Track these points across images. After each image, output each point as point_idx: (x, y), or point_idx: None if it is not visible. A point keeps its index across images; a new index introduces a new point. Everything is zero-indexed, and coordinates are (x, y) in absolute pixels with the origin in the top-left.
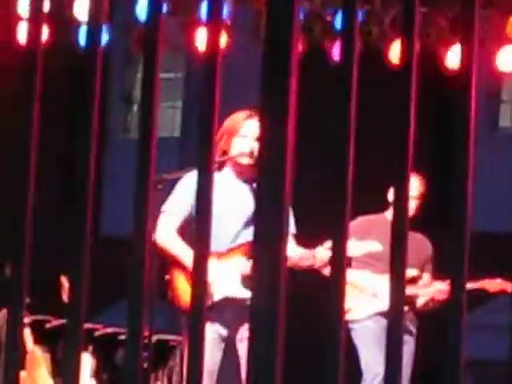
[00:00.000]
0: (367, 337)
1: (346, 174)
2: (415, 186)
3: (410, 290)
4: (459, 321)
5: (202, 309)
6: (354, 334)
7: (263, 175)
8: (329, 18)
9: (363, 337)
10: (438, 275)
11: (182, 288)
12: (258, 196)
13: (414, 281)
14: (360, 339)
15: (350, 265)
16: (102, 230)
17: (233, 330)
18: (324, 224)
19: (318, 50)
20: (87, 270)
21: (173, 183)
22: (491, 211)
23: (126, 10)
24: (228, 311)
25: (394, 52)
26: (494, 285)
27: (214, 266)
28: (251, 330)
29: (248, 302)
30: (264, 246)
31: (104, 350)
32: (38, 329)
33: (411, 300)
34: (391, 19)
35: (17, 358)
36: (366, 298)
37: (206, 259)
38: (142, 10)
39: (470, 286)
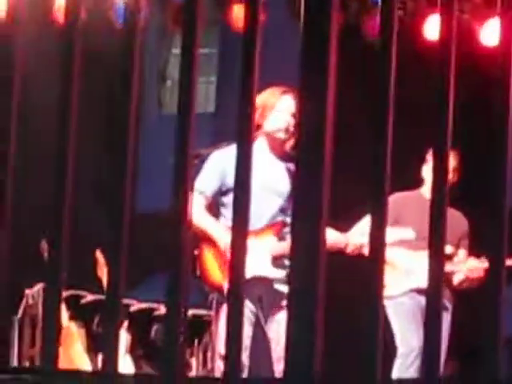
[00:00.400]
0: (403, 313)
1: (384, 149)
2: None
3: (446, 267)
4: (498, 297)
5: (240, 284)
6: (388, 311)
7: (302, 153)
8: None
9: (398, 313)
10: (474, 252)
11: (211, 265)
12: (297, 174)
13: (449, 257)
14: (395, 315)
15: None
16: (137, 204)
17: (261, 310)
18: (360, 202)
19: (354, 27)
20: (126, 246)
21: (205, 159)
22: None
23: None
24: (257, 290)
25: (429, 27)
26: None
27: None
28: (289, 311)
29: (277, 283)
30: (303, 226)
31: (139, 325)
32: (73, 304)
33: (447, 277)
34: None
35: (54, 334)
36: (400, 275)
37: (244, 234)
38: None
39: (509, 262)
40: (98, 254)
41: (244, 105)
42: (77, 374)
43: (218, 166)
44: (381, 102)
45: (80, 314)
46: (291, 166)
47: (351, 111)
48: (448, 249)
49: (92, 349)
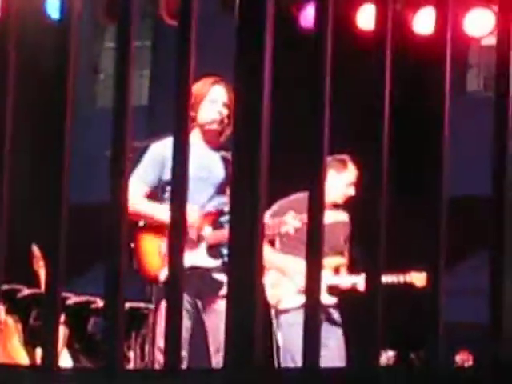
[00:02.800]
0: (294, 329)
1: (320, 138)
2: (352, 171)
3: (333, 280)
4: (376, 313)
5: (180, 276)
6: (280, 324)
7: (238, 146)
8: None
9: (289, 328)
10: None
11: (148, 255)
12: (234, 166)
13: (337, 269)
14: (285, 330)
15: (273, 243)
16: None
17: (198, 300)
18: (296, 186)
19: (284, 16)
20: (64, 239)
21: (142, 151)
22: (463, 175)
23: None
24: (195, 281)
25: (362, 17)
26: (420, 279)
27: None
28: (229, 300)
29: (213, 272)
30: (241, 215)
31: (76, 319)
32: (9, 298)
33: (334, 291)
34: None
35: None
36: (295, 287)
37: (182, 226)
38: None
39: (395, 279)
40: (34, 248)
41: (180, 97)
42: (15, 368)
43: (157, 158)
44: (317, 93)
45: (16, 308)
46: (226, 154)
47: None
48: (336, 260)
49: (29, 343)
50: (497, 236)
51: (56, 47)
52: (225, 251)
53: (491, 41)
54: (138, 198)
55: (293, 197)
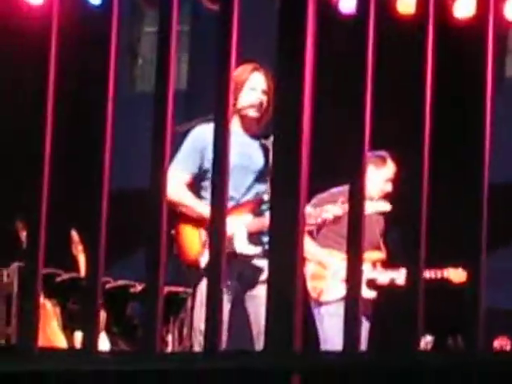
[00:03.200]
0: (334, 320)
1: (362, 127)
2: (391, 167)
3: (371, 274)
4: (416, 306)
5: (220, 261)
6: (322, 315)
7: (279, 133)
8: None
9: (330, 319)
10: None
11: (190, 242)
12: (274, 154)
13: (374, 264)
14: (326, 321)
15: (312, 234)
16: (113, 182)
17: (240, 285)
18: (337, 176)
19: (329, 5)
20: (105, 225)
21: (183, 135)
22: (504, 162)
23: None
24: (235, 266)
25: (404, 2)
26: (456, 275)
27: None
28: (269, 286)
29: (255, 260)
30: (281, 204)
31: (115, 303)
32: (48, 282)
33: (373, 285)
34: None
35: (33, 311)
36: (337, 281)
37: (223, 211)
38: None
39: (433, 274)
40: (73, 233)
41: (221, 84)
42: (54, 351)
43: (197, 145)
44: (360, 79)
45: (55, 292)
46: (266, 142)
47: (328, 89)
48: (374, 254)
49: (67, 327)
50: None
51: (97, 33)
52: (265, 239)
53: None
54: (179, 186)
55: (333, 190)
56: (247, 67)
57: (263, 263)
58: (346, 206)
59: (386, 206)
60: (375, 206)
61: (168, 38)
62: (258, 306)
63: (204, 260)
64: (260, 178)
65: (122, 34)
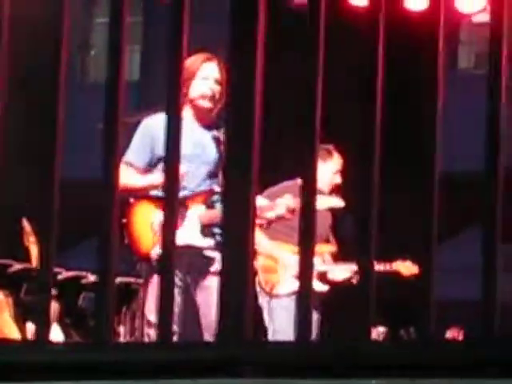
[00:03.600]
0: (286, 313)
1: (314, 113)
2: (338, 159)
3: (323, 267)
4: (366, 303)
5: (171, 253)
6: (273, 308)
7: (231, 124)
8: None
9: (282, 311)
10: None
11: (141, 234)
12: (226, 141)
13: (321, 254)
14: (278, 313)
15: (262, 227)
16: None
17: (188, 277)
18: (289, 167)
19: None
20: (57, 214)
21: (133, 126)
22: (455, 151)
23: None
24: (186, 257)
25: None
26: (405, 267)
27: None
28: (222, 277)
29: (206, 252)
30: (233, 196)
31: (67, 293)
32: (0, 273)
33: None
34: None
35: None
36: (289, 275)
37: (174, 203)
38: None
39: (381, 267)
40: (25, 223)
41: (172, 73)
42: (6, 342)
43: (147, 135)
44: (311, 68)
45: (7, 283)
46: (218, 134)
47: (280, 79)
48: (324, 248)
49: (20, 318)
50: (489, 212)
51: (49, 22)
52: (217, 230)
53: (483, 18)
54: (131, 175)
55: (284, 184)
56: (200, 57)
57: (214, 254)
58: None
59: (340, 203)
60: (328, 201)
61: (119, 28)
62: (208, 296)
63: (155, 252)
64: (213, 169)
65: (74, 25)
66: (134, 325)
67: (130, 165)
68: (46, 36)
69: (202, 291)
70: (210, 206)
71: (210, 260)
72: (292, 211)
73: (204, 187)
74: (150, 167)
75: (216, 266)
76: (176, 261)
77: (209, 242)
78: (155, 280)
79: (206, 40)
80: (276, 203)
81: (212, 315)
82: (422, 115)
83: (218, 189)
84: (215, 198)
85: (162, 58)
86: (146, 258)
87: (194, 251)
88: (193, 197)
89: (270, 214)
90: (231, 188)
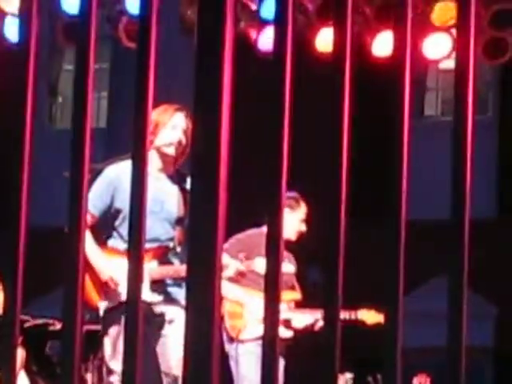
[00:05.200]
0: (253, 358)
1: (280, 164)
2: (303, 208)
3: (288, 314)
4: (333, 352)
5: (137, 308)
6: (239, 353)
7: (196, 173)
8: (254, 8)
9: (249, 356)
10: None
11: (88, 285)
12: (192, 197)
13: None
14: (245, 359)
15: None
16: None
17: (147, 328)
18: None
19: (243, 41)
20: (23, 264)
21: (99, 174)
22: (421, 199)
23: (50, 0)
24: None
25: (321, 41)
26: (370, 316)
27: (123, 266)
28: (187, 326)
29: (157, 307)
30: (198, 252)
31: (34, 341)
32: None
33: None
34: (317, 7)
35: None
36: (254, 320)
37: (140, 254)
38: (67, 0)
39: (346, 315)
40: None
41: (138, 120)
42: None
43: (108, 184)
44: (276, 117)
45: None
46: (186, 186)
47: (248, 127)
48: (289, 295)
49: None
50: (456, 260)
51: (15, 70)
52: (168, 287)
53: (449, 64)
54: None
55: (249, 232)
56: (170, 107)
57: (165, 308)
58: (249, 263)
59: (291, 268)
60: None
61: (85, 75)
62: (166, 345)
63: (103, 306)
64: (172, 224)
65: (41, 72)
66: (101, 373)
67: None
68: (12, 83)
69: (159, 339)
70: (163, 262)
71: (161, 314)
72: (241, 274)
73: (158, 243)
74: (108, 215)
75: (170, 317)
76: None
77: (158, 298)
78: (111, 330)
79: (175, 91)
80: (226, 264)
81: (170, 364)
82: (388, 162)
83: (171, 245)
84: (170, 254)
85: (130, 105)
86: (95, 311)
87: (143, 307)
88: (147, 251)
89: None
90: (196, 238)
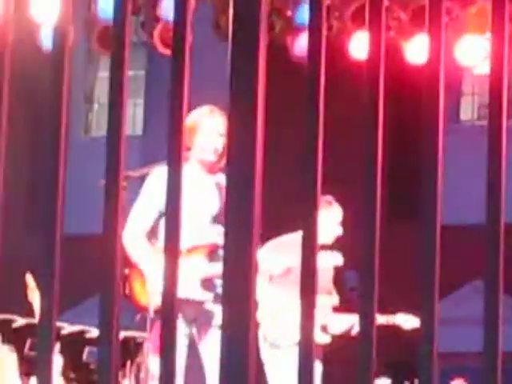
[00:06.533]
0: (290, 363)
1: (315, 167)
2: (338, 210)
3: (324, 320)
4: (369, 359)
5: (173, 307)
6: (277, 359)
7: (232, 175)
8: (289, 13)
9: (286, 364)
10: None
11: (139, 289)
12: (227, 195)
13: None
14: (283, 366)
15: (271, 279)
16: (66, 228)
17: (193, 328)
18: (292, 220)
19: (278, 47)
20: (58, 270)
21: (137, 181)
22: (460, 204)
23: (86, 8)
24: (189, 312)
25: (355, 46)
26: (407, 321)
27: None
28: (223, 333)
29: (207, 305)
30: (234, 250)
31: (71, 348)
32: (4, 328)
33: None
34: (351, 13)
35: None
36: (291, 324)
37: (176, 258)
38: (102, 7)
39: (383, 320)
40: (28, 278)
41: (173, 127)
42: None
43: (154, 190)
44: (310, 122)
45: (11, 337)
46: (222, 181)
47: (282, 131)
48: (326, 300)
49: (24, 373)
50: (491, 265)
51: (50, 77)
52: (218, 286)
53: (485, 69)
54: (134, 239)
55: (284, 238)
56: (202, 111)
57: (214, 307)
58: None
59: (340, 260)
60: (329, 259)
61: (119, 82)
62: (212, 349)
63: (153, 305)
64: (216, 219)
65: (77, 80)
66: (138, 378)
67: (135, 221)
68: (46, 91)
69: (206, 343)
70: (213, 259)
71: (212, 313)
72: (288, 271)
73: (209, 237)
74: (156, 221)
75: (217, 320)
76: (180, 313)
77: (209, 295)
78: (157, 332)
79: (211, 93)
80: (275, 263)
81: (215, 369)
82: (423, 167)
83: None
84: (220, 251)
85: (165, 112)
86: (145, 311)
87: (196, 306)
88: (195, 248)
89: (272, 271)
90: (232, 239)
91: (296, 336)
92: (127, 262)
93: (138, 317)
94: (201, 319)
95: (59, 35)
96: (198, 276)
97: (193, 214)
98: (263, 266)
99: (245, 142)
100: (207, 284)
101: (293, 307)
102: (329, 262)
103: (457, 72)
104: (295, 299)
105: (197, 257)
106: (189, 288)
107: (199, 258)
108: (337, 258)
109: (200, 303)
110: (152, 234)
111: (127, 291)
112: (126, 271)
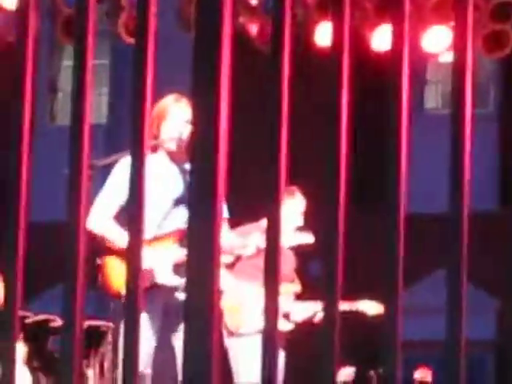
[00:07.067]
0: (252, 352)
1: (278, 153)
2: (301, 201)
3: (287, 307)
4: (332, 346)
5: (137, 295)
6: (239, 348)
7: (196, 164)
8: (254, 2)
9: (249, 352)
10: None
11: (115, 273)
12: (191, 184)
13: (299, 296)
14: (245, 354)
15: (232, 266)
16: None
17: (166, 317)
18: (258, 202)
19: (244, 35)
20: (22, 259)
21: (102, 169)
22: (423, 193)
23: None
24: (160, 298)
25: (320, 35)
26: (371, 307)
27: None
28: (186, 329)
29: (178, 293)
30: (197, 236)
31: (35, 337)
32: None
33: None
34: (316, 2)
35: None
36: (255, 313)
37: (140, 244)
38: None
39: (346, 306)
40: None
41: (137, 115)
42: None
43: (122, 178)
44: (275, 111)
45: None
46: (187, 167)
47: (245, 117)
48: (289, 287)
49: None
50: (454, 254)
51: (13, 66)
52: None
53: (449, 57)
54: (104, 220)
55: (248, 226)
56: (168, 99)
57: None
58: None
59: (310, 238)
60: (299, 238)
61: (83, 70)
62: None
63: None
64: (180, 204)
65: (41, 68)
66: (103, 368)
67: (104, 207)
68: (10, 79)
69: (178, 338)
70: (184, 244)
71: (182, 304)
72: (259, 252)
73: (174, 223)
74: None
75: None
76: (150, 301)
77: (181, 281)
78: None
79: (176, 81)
80: (247, 243)
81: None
82: (387, 155)
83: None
84: None
85: (130, 101)
86: (118, 298)
87: (167, 291)
88: (168, 235)
89: (242, 252)
90: (195, 224)
91: (258, 324)
92: (100, 252)
93: (112, 305)
94: (173, 306)
95: (22, 22)
96: (170, 260)
97: (156, 200)
98: (233, 247)
99: (209, 129)
100: (178, 269)
101: (254, 296)
102: (300, 240)
103: (421, 60)
104: (257, 288)
105: (167, 242)
106: (160, 273)
107: (170, 244)
108: (308, 237)
109: (171, 289)
110: (119, 221)
111: (100, 282)
112: (98, 261)
